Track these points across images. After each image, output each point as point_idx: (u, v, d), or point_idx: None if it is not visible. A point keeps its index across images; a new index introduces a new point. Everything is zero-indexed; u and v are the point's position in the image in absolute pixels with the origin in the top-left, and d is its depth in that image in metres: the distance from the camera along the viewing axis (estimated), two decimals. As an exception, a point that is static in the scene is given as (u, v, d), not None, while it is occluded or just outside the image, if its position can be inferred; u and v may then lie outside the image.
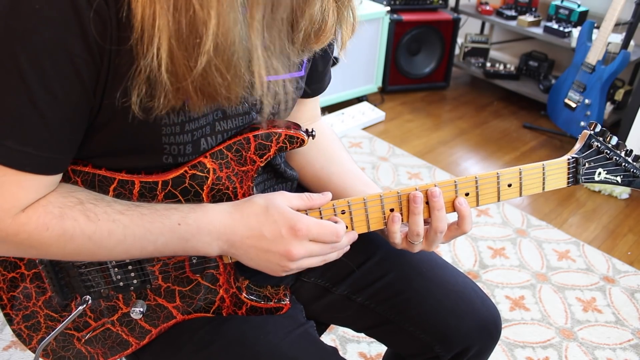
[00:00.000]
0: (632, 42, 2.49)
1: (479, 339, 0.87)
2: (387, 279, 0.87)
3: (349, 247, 0.75)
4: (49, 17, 0.53)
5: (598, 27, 2.46)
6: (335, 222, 0.71)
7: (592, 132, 0.78)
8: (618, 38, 2.49)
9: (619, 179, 0.80)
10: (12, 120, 0.57)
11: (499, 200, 0.77)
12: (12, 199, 0.60)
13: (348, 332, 1.60)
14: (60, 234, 0.62)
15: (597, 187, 2.39)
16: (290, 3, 0.61)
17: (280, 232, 0.67)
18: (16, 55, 0.54)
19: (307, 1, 0.62)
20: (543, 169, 0.77)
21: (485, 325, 0.87)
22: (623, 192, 2.36)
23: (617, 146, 0.79)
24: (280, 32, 0.61)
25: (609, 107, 2.71)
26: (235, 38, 0.57)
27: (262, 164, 0.72)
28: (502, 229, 2.12)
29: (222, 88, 0.60)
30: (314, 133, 0.74)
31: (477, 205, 0.76)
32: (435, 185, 0.74)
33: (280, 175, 0.83)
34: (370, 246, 0.89)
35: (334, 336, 1.60)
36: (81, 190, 0.67)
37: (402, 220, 0.75)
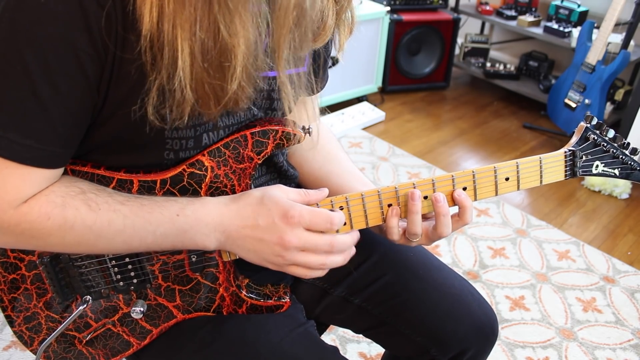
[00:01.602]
0: (632, 42, 2.50)
1: (475, 342, 0.87)
2: (383, 281, 0.87)
3: (354, 249, 0.73)
4: (54, 12, 0.53)
5: (598, 27, 2.46)
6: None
7: (588, 124, 0.78)
8: (618, 38, 2.49)
9: (616, 171, 0.80)
10: (15, 113, 0.57)
11: (496, 194, 0.77)
12: (14, 191, 0.60)
13: (348, 332, 1.60)
14: (62, 223, 0.63)
15: (597, 187, 2.39)
16: (311, 37, 0.64)
17: (274, 220, 0.67)
18: (20, 49, 0.55)
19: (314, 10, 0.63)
20: (540, 162, 0.77)
21: (481, 328, 0.87)
22: (623, 192, 2.36)
23: (614, 139, 0.78)
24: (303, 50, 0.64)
25: (609, 107, 2.71)
26: (260, 60, 0.60)
27: (259, 161, 0.72)
28: (502, 229, 2.12)
29: (244, 102, 0.62)
30: (310, 130, 0.74)
31: (475, 199, 0.76)
32: (432, 182, 0.74)
33: (283, 175, 0.83)
34: (368, 247, 0.89)
35: (334, 336, 1.60)
36: (83, 180, 0.67)
37: (400, 216, 0.75)
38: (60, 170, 0.65)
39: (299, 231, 0.67)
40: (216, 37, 0.56)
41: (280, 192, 0.70)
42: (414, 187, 0.74)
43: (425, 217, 0.77)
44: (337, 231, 0.71)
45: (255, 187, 0.77)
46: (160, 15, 0.55)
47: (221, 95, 0.60)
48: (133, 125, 0.62)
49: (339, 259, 0.71)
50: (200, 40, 0.56)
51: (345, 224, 0.74)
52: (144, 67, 0.58)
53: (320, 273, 0.71)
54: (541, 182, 0.78)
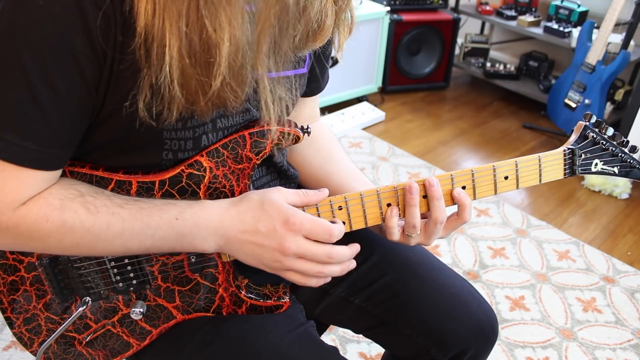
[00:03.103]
0: (632, 42, 2.49)
1: (475, 342, 0.87)
2: (383, 281, 0.87)
3: (354, 262, 0.73)
4: (52, 13, 0.54)
5: (598, 27, 2.46)
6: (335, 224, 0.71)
7: (587, 123, 0.78)
8: (618, 38, 2.49)
9: (615, 169, 0.80)
10: (13, 115, 0.57)
11: (496, 193, 0.76)
12: (13, 193, 0.60)
13: (348, 332, 1.60)
14: (60, 225, 0.63)
15: (597, 187, 2.39)
16: (293, 33, 0.63)
17: (274, 227, 0.67)
18: (18, 50, 0.55)
19: (306, 9, 0.63)
20: (539, 161, 0.77)
21: (481, 328, 0.87)
22: (623, 192, 2.36)
23: (613, 137, 0.78)
24: (283, 47, 0.63)
25: (609, 107, 2.71)
26: (246, 58, 0.59)
27: (258, 162, 0.72)
28: (502, 229, 2.12)
29: (233, 101, 0.62)
30: (309, 130, 0.74)
31: (474, 198, 0.76)
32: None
33: (283, 175, 0.83)
34: (368, 247, 0.89)
35: (334, 336, 1.60)
36: (82, 183, 0.67)
37: (400, 216, 0.75)
38: (59, 172, 0.65)
39: (298, 238, 0.67)
40: (201, 32, 0.56)
41: (279, 195, 0.69)
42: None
43: (423, 216, 0.77)
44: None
45: (255, 188, 0.77)
46: (154, 11, 0.55)
47: (208, 91, 0.60)
48: (131, 124, 0.62)
49: (337, 270, 0.71)
50: (185, 35, 0.55)
51: (344, 225, 0.73)
52: (139, 64, 0.58)
53: (316, 282, 0.71)
54: (540, 180, 0.78)
